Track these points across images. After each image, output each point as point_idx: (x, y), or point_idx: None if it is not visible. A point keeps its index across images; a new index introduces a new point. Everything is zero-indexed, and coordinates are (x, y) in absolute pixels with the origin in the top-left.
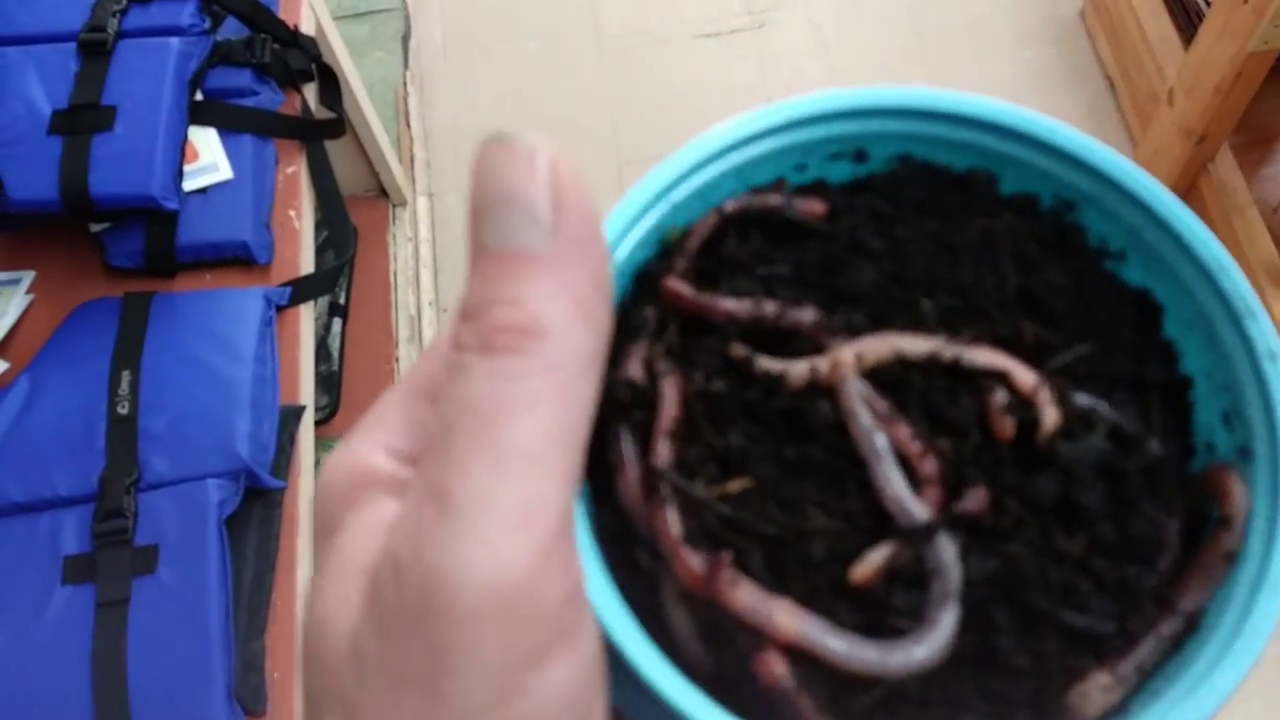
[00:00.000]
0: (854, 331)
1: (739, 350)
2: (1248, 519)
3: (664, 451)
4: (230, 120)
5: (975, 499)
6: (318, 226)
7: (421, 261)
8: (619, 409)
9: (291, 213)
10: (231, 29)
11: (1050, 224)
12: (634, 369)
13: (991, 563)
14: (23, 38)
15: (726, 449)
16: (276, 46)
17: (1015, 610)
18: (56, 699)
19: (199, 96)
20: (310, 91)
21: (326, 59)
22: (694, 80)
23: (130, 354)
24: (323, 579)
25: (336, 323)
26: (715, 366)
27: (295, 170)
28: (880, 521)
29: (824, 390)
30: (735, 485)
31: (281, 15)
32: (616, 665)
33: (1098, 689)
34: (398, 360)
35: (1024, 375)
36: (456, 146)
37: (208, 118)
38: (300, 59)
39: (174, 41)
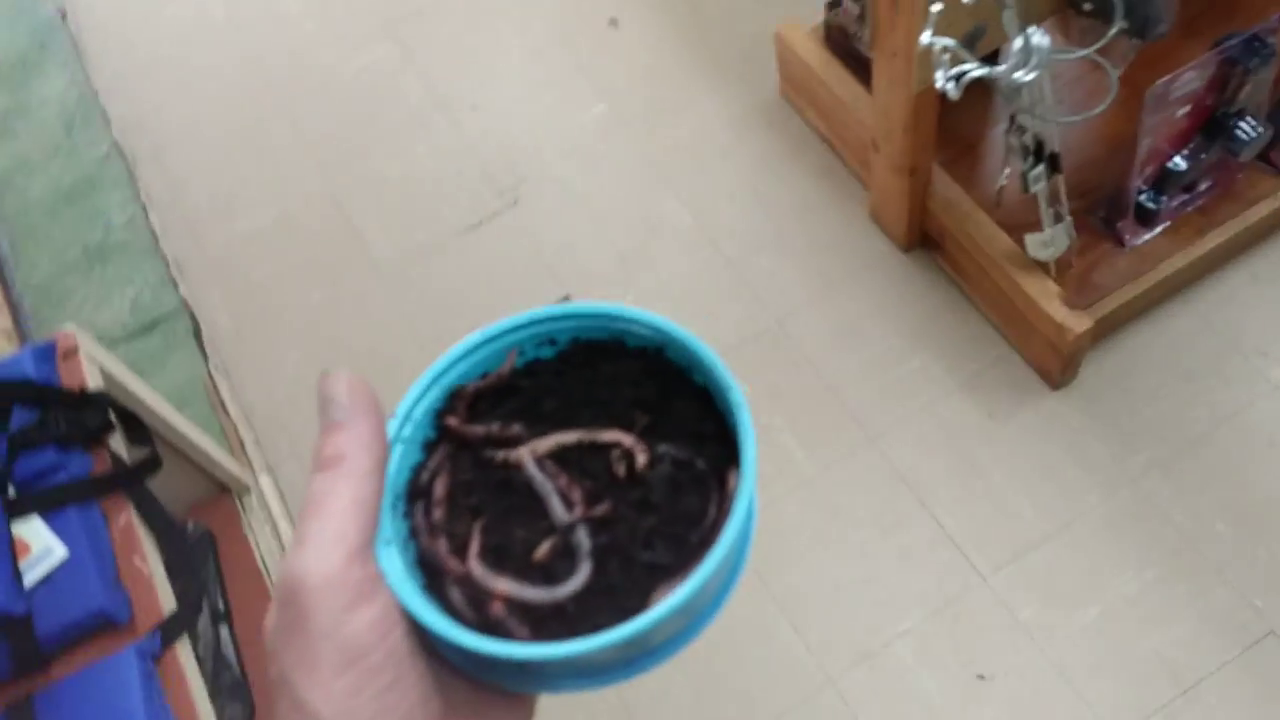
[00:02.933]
0: (542, 435)
1: (471, 432)
2: (736, 489)
3: (437, 513)
4: (48, 503)
5: (602, 508)
6: (164, 558)
7: (283, 537)
8: (419, 494)
9: (137, 560)
10: (20, 415)
11: (651, 359)
12: (428, 474)
13: (607, 537)
14: None
15: (472, 504)
16: (70, 414)
17: (620, 558)
18: None
19: (11, 493)
20: (117, 439)
21: (124, 399)
22: (476, 270)
23: None
24: (268, 612)
25: (224, 630)
26: (468, 464)
27: (127, 519)
28: (550, 529)
29: (515, 468)
30: (476, 523)
31: (65, 383)
32: (421, 626)
33: (660, 594)
34: None
35: (626, 440)
36: (279, 417)
37: (25, 509)
38: (95, 416)
39: None
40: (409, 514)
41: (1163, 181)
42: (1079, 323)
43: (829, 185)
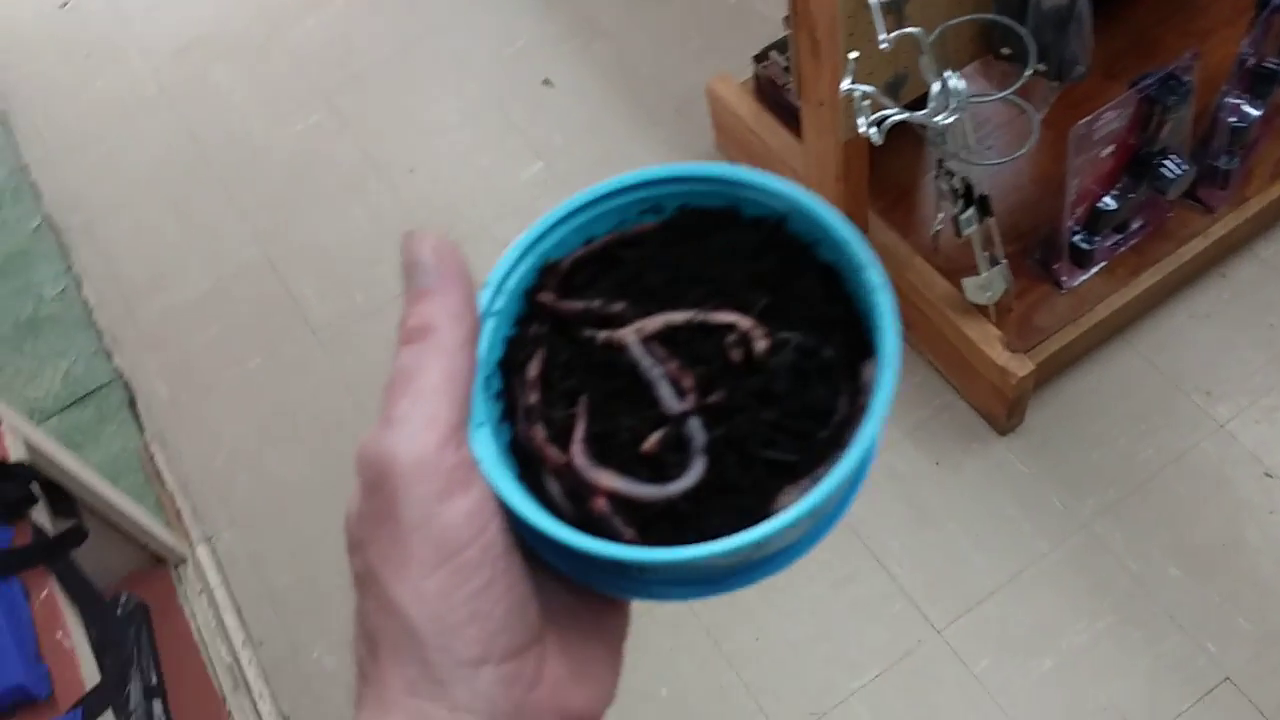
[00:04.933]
0: (647, 314)
1: (567, 308)
2: (873, 385)
3: (532, 395)
4: None
5: (717, 397)
6: (91, 633)
7: (221, 608)
8: (512, 374)
9: (59, 635)
10: None
11: (771, 231)
12: (522, 353)
13: (724, 429)
14: None
15: (570, 389)
16: None
17: (739, 455)
18: None
19: None
20: (41, 510)
21: (48, 470)
22: None
23: None
24: (352, 494)
25: (156, 705)
26: (565, 344)
27: (48, 593)
28: (661, 418)
29: (618, 349)
30: (578, 408)
31: None
32: (518, 520)
33: (785, 496)
34: (230, 715)
35: (743, 322)
36: (216, 486)
37: None
38: (16, 488)
39: None
40: (500, 395)
41: (1094, 222)
42: (1021, 366)
43: None
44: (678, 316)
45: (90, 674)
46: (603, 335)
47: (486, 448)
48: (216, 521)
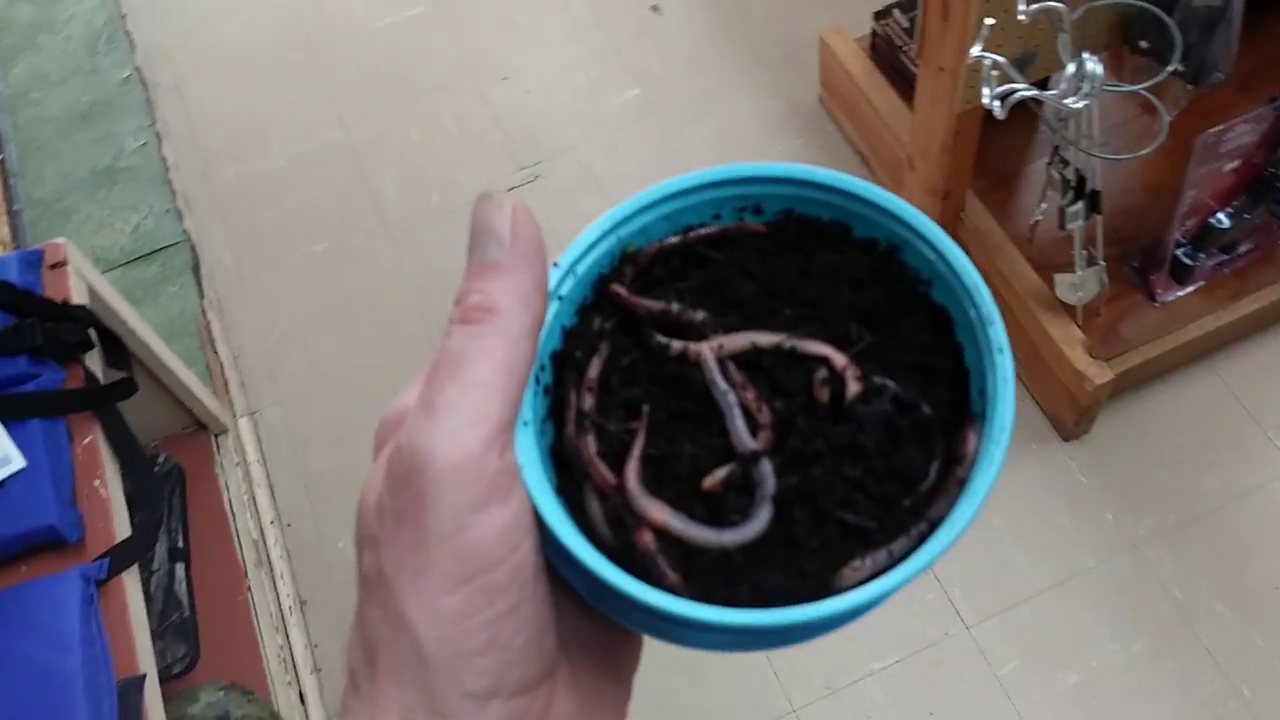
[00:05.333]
0: (729, 329)
1: (641, 306)
2: (975, 458)
3: (587, 399)
4: (12, 410)
5: (795, 439)
6: (127, 486)
7: (255, 483)
8: (573, 372)
9: (96, 483)
10: None
11: (881, 259)
12: (582, 347)
13: (797, 478)
14: None
15: (631, 399)
16: (49, 325)
17: (810, 510)
18: None
19: None
20: (94, 358)
21: (108, 319)
22: None
23: None
24: (369, 477)
25: (179, 568)
26: (631, 345)
27: (91, 440)
28: (728, 452)
29: (692, 364)
30: (634, 424)
31: (47, 293)
32: (552, 539)
33: (854, 567)
34: (249, 590)
35: (838, 359)
36: (267, 363)
37: None
38: (74, 331)
39: None
40: (548, 390)
41: (1202, 238)
42: (1100, 374)
43: None
44: (765, 339)
45: (121, 527)
46: (677, 345)
47: (529, 453)
48: (262, 397)
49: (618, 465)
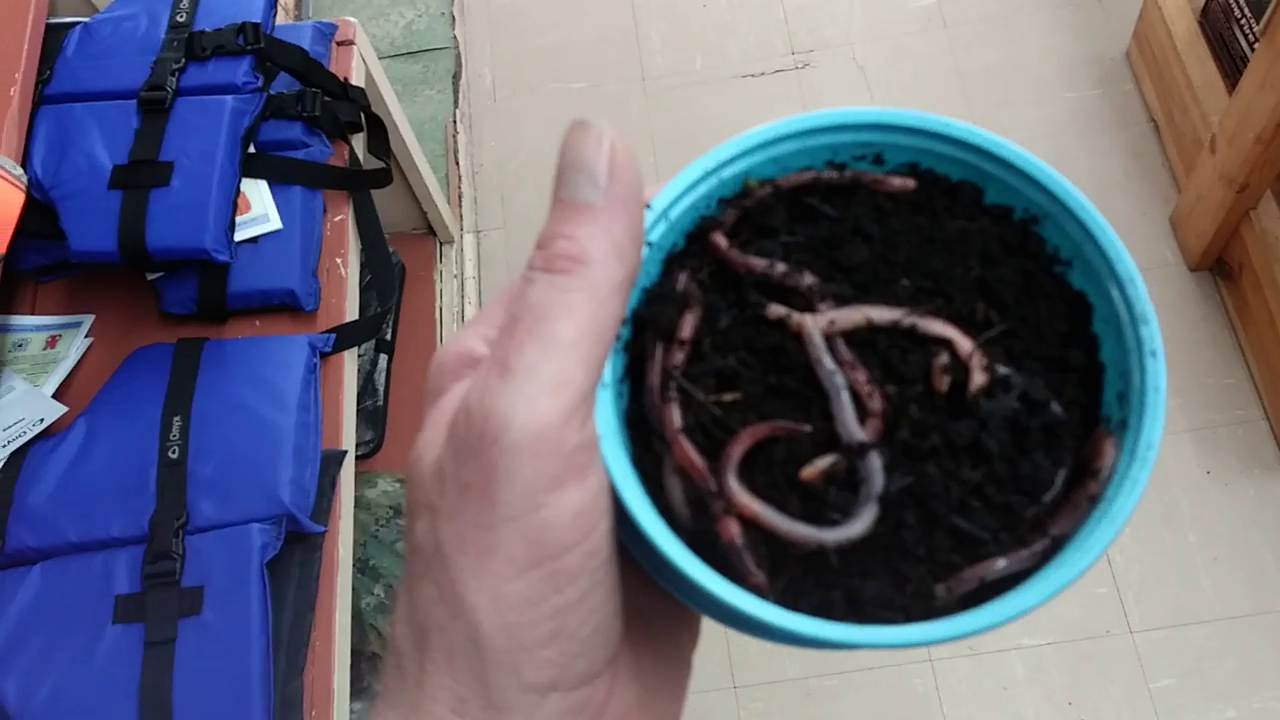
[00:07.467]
0: (840, 298)
1: (742, 262)
2: (1112, 473)
3: (676, 359)
4: (281, 173)
5: (908, 431)
6: (363, 271)
7: (467, 298)
8: (657, 330)
9: (338, 260)
10: (283, 82)
11: (1016, 231)
12: (675, 299)
13: (909, 478)
14: (88, 94)
15: (725, 368)
16: (327, 99)
17: (920, 513)
18: None
19: (251, 150)
20: (359, 141)
21: (376, 108)
22: (736, 118)
23: (181, 400)
24: (425, 429)
25: (383, 359)
26: (726, 307)
27: (342, 219)
28: (831, 439)
29: (795, 335)
30: (727, 396)
31: (333, 68)
32: (623, 515)
33: (961, 579)
34: None
35: (964, 344)
36: (502, 185)
37: (259, 170)
38: (349, 111)
39: (229, 100)
40: (627, 347)
41: None
42: None
43: (1137, 170)
44: (882, 314)
45: (351, 307)
46: (779, 312)
47: (608, 422)
48: (490, 218)
49: (704, 442)
